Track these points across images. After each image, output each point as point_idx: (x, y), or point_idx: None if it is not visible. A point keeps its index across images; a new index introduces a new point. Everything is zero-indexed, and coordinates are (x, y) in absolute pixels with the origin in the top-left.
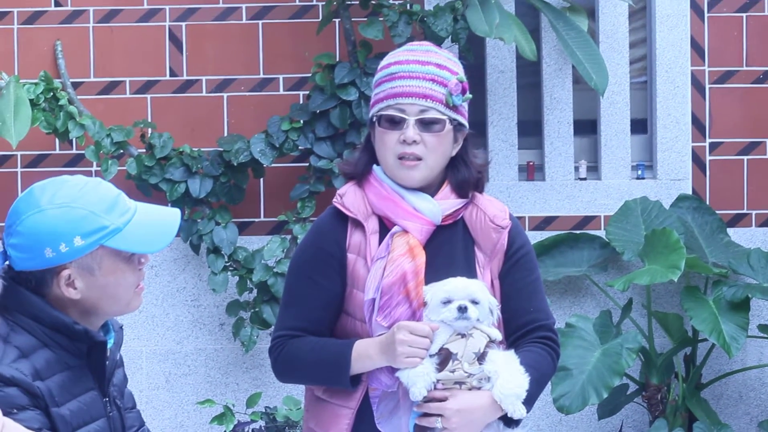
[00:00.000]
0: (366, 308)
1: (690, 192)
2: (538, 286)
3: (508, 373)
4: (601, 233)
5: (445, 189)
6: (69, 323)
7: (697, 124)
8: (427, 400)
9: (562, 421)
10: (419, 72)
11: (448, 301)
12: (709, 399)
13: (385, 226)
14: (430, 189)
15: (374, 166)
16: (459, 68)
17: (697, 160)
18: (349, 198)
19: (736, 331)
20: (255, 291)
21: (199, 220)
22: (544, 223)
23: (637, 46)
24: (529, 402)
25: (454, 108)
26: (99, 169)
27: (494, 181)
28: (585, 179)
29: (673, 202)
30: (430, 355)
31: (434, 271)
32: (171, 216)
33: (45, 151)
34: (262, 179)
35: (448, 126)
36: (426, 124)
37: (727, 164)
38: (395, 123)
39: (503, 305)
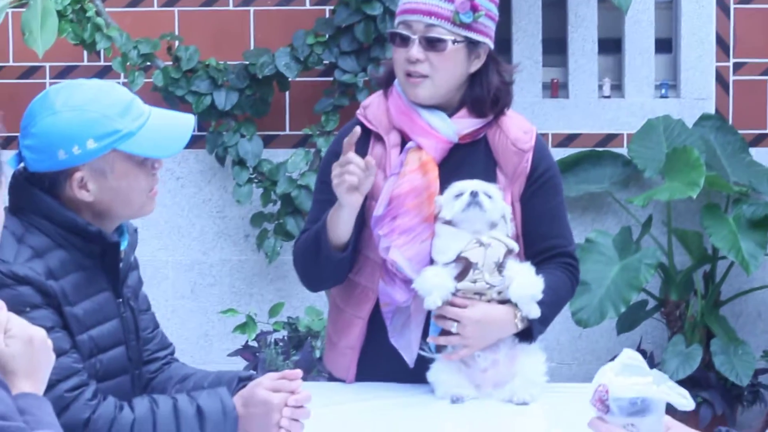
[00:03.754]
0: (374, 224)
1: (713, 111)
2: (560, 211)
3: (522, 276)
4: (623, 151)
5: (463, 109)
6: (82, 224)
7: (722, 43)
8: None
9: (582, 336)
10: None
11: (460, 194)
12: (728, 316)
13: (405, 141)
14: (449, 107)
15: (396, 80)
16: None
17: (721, 80)
18: (372, 110)
19: (755, 248)
20: (279, 203)
21: (224, 133)
22: (567, 140)
23: None
24: (544, 323)
25: (465, 26)
26: (126, 80)
27: (518, 98)
28: (609, 97)
29: (696, 121)
30: (447, 264)
31: None
32: (184, 121)
33: (73, 63)
34: (287, 93)
35: (454, 45)
36: (430, 42)
37: (751, 84)
38: (403, 40)
39: (524, 229)
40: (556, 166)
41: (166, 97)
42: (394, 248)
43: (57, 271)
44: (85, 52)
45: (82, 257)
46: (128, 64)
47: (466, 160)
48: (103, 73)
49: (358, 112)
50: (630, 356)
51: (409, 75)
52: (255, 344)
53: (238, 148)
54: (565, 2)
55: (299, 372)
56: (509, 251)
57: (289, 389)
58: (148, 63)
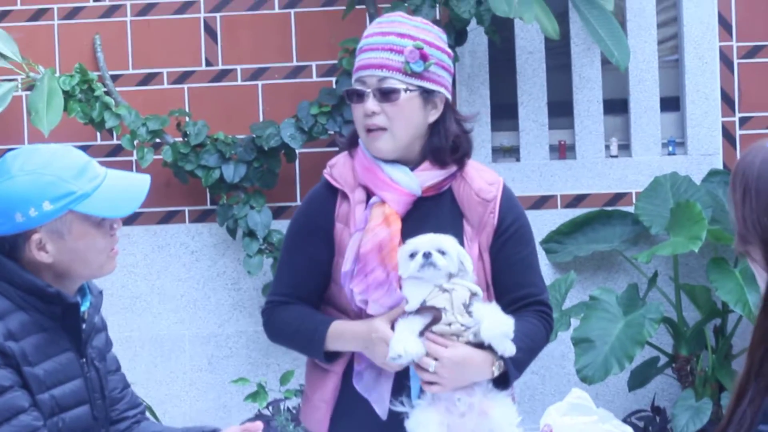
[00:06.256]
0: (343, 280)
1: (721, 167)
2: (532, 261)
3: (492, 315)
4: (632, 209)
5: (426, 161)
6: (42, 286)
7: (727, 99)
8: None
9: (598, 396)
10: (378, 43)
11: (414, 254)
12: (740, 370)
13: (370, 197)
14: (412, 160)
15: (360, 140)
16: (428, 35)
17: (727, 135)
18: (337, 169)
19: None
20: None
21: (234, 205)
22: (576, 200)
23: (668, 24)
24: (519, 368)
25: (417, 75)
26: (136, 158)
27: (526, 161)
28: (616, 157)
29: (704, 177)
30: (412, 313)
31: None
32: (140, 182)
33: (87, 142)
34: (296, 164)
35: (407, 94)
36: (384, 93)
37: (757, 138)
38: (359, 96)
39: (495, 279)
40: (525, 216)
41: (176, 172)
42: (373, 302)
43: (17, 333)
44: (98, 132)
45: (44, 319)
46: (137, 141)
47: (431, 213)
48: (116, 151)
49: (324, 171)
50: (578, 396)
51: (368, 130)
52: (268, 412)
53: (248, 219)
54: (570, 65)
55: (260, 424)
56: (473, 294)
57: None
58: (158, 139)
